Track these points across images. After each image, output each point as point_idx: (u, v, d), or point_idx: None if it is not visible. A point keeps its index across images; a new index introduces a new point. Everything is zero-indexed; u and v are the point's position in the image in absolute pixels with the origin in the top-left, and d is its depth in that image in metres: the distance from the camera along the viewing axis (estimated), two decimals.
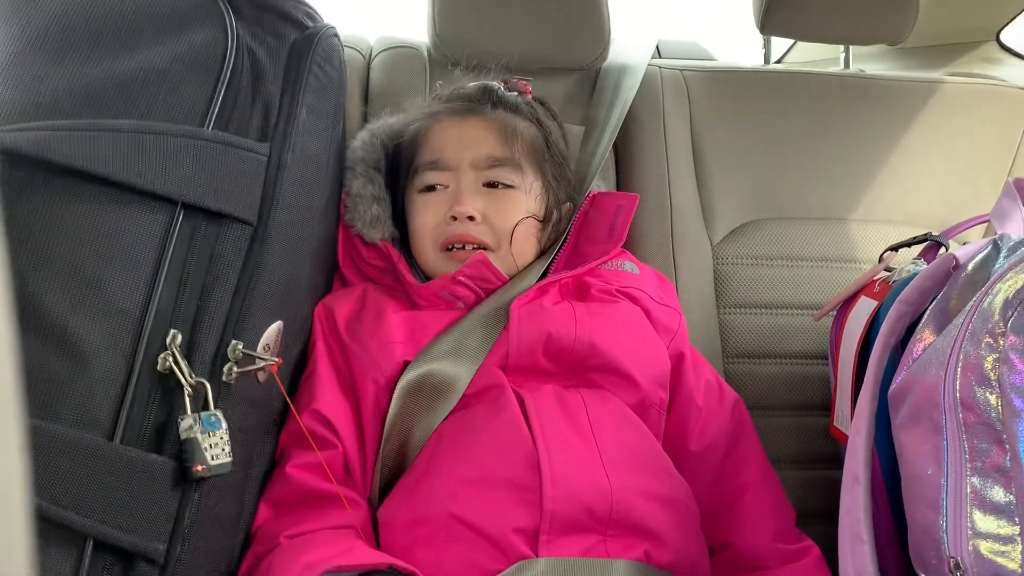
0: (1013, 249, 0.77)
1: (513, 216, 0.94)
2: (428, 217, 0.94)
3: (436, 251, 0.94)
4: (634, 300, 0.94)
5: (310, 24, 0.88)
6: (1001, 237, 0.82)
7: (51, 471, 0.60)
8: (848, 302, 0.97)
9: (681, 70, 1.28)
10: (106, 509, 0.62)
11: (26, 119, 0.64)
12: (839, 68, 1.44)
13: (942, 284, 0.80)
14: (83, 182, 0.65)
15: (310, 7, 0.88)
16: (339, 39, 0.91)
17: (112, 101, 0.68)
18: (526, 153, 0.97)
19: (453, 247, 0.93)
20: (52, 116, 0.65)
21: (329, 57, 0.87)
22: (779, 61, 1.86)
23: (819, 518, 0.87)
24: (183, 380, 0.67)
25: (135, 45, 0.71)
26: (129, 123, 0.67)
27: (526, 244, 0.96)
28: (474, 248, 0.93)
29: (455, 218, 0.92)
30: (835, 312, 1.00)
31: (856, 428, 0.78)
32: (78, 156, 0.64)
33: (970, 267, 0.78)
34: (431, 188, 0.96)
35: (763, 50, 1.48)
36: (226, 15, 0.76)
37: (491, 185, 0.95)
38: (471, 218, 0.92)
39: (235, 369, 0.71)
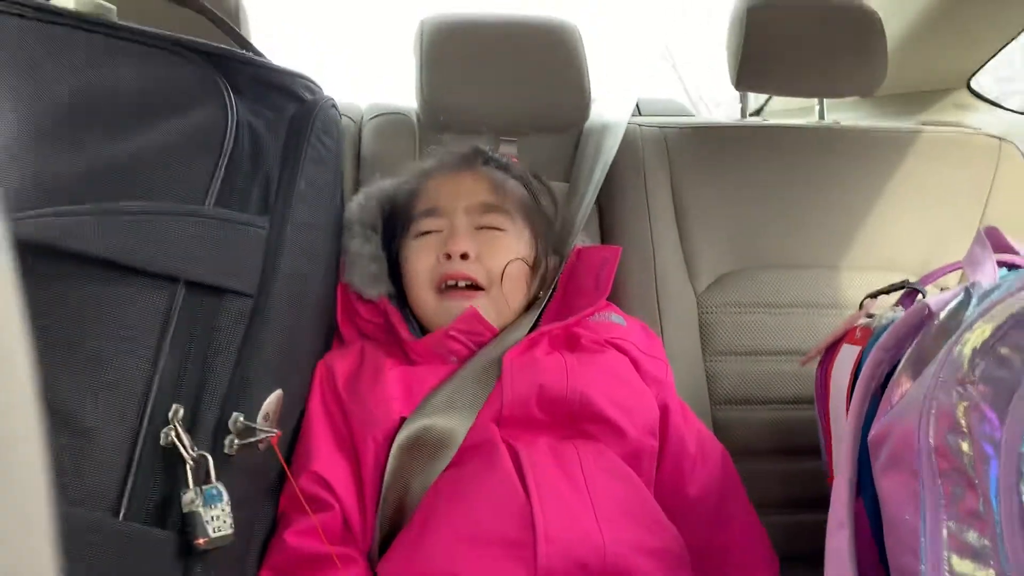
0: (983, 297, 0.80)
1: (504, 256, 0.98)
2: (423, 259, 0.98)
3: (431, 293, 0.97)
4: (622, 351, 0.97)
5: (308, 97, 0.90)
6: (973, 285, 0.84)
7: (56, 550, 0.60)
8: (832, 349, 1.00)
9: (660, 127, 1.32)
10: None
11: (31, 206, 0.66)
12: (814, 119, 1.48)
13: (918, 330, 0.82)
14: (86, 264, 0.66)
15: (309, 80, 0.91)
16: (337, 110, 0.94)
17: (115, 183, 0.70)
18: (516, 205, 1.02)
19: (447, 286, 0.96)
20: (57, 202, 0.67)
21: (327, 128, 0.89)
22: (758, 112, 1.92)
23: (805, 562, 0.89)
24: (185, 454, 0.68)
25: (136, 127, 0.73)
26: (131, 205, 0.69)
27: (516, 286, 0.99)
28: (467, 285, 0.96)
29: (449, 257, 0.96)
30: (819, 357, 1.02)
31: (839, 473, 0.80)
32: (82, 241, 0.65)
33: (943, 315, 0.80)
34: (426, 233, 1.00)
35: (740, 104, 1.54)
36: (226, 94, 0.78)
37: (484, 229, 0.99)
38: (464, 256, 0.96)
39: (236, 441, 0.72)
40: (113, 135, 0.72)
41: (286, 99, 0.87)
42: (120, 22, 0.76)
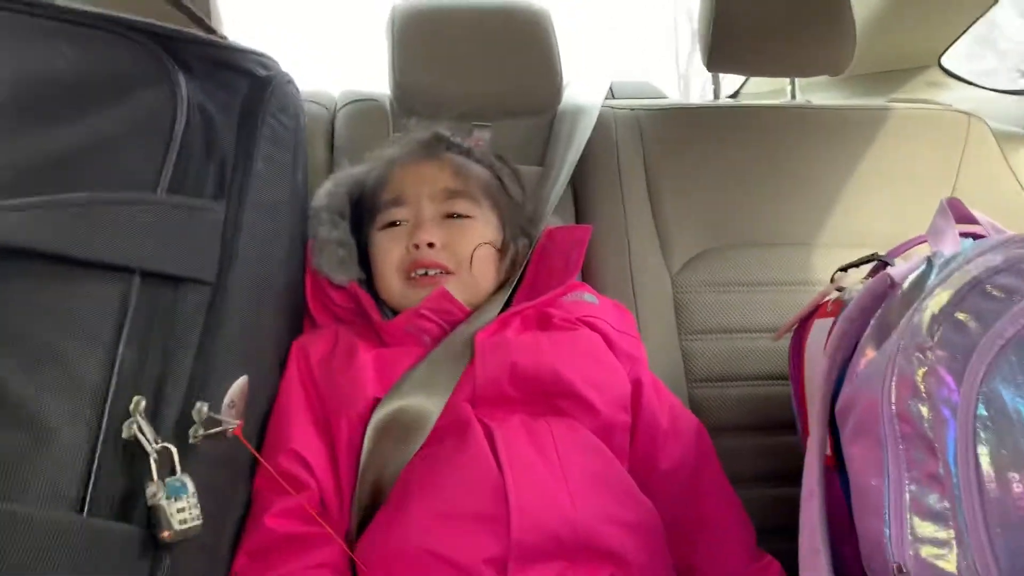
0: (944, 266, 0.81)
1: (471, 242, 0.99)
2: (391, 250, 0.99)
3: (399, 280, 0.98)
4: (594, 328, 0.98)
5: (263, 73, 0.87)
6: (935, 255, 0.86)
7: (20, 551, 0.59)
8: (803, 323, 1.01)
9: (633, 109, 1.33)
10: None
11: None
12: (786, 99, 1.49)
13: (881, 301, 0.83)
14: (35, 259, 0.64)
15: (263, 56, 0.88)
16: (294, 86, 0.91)
17: (60, 173, 0.67)
18: (480, 189, 1.03)
19: (416, 274, 0.97)
20: (1, 195, 0.63)
21: (284, 106, 0.87)
22: (735, 95, 1.93)
23: (781, 534, 0.90)
24: (147, 446, 0.66)
25: (81, 113, 0.70)
26: (79, 196, 0.67)
27: (485, 270, 1.00)
28: (437, 272, 0.97)
29: (417, 247, 0.97)
30: (791, 333, 1.03)
31: (809, 444, 0.81)
32: (29, 237, 0.63)
33: (905, 285, 0.82)
34: (393, 224, 1.00)
35: (712, 86, 1.55)
36: (173, 74, 0.75)
37: (450, 216, 1.00)
38: (431, 245, 0.97)
39: (200, 431, 0.71)
40: (56, 123, 0.69)
41: (239, 77, 0.84)
42: (64, 4, 0.72)
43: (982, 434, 0.60)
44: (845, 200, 1.31)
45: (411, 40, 1.23)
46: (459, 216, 1.00)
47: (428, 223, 0.98)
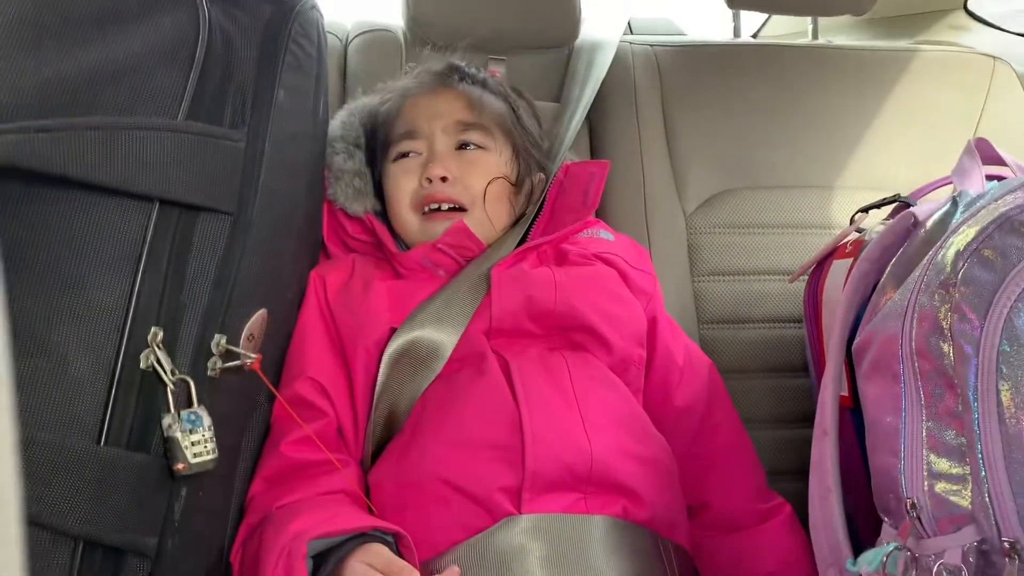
0: (969, 204, 0.80)
1: (485, 176, 0.98)
2: (404, 182, 0.98)
3: (414, 215, 0.97)
4: (610, 264, 0.97)
5: None
6: (960, 194, 0.84)
7: (36, 477, 0.59)
8: (820, 266, 1.00)
9: (652, 46, 1.30)
10: (94, 511, 0.61)
11: None
12: (807, 39, 1.46)
13: (903, 240, 0.82)
14: (54, 184, 0.63)
15: None
16: (318, 11, 0.88)
17: (83, 96, 0.65)
18: (494, 121, 1.01)
19: (429, 208, 0.96)
20: (20, 116, 0.61)
21: (307, 32, 0.85)
22: (755, 35, 1.89)
23: (792, 474, 0.91)
24: (164, 378, 0.66)
25: (105, 34, 0.67)
26: (98, 120, 0.65)
27: (500, 205, 0.99)
28: (450, 208, 0.96)
29: (430, 180, 0.96)
30: (807, 276, 1.02)
31: (824, 383, 0.81)
32: (47, 161, 0.61)
33: (929, 224, 0.80)
34: (405, 155, 0.99)
35: (733, 24, 1.51)
36: None
37: (463, 147, 0.99)
38: (444, 179, 0.95)
39: (219, 364, 0.71)
40: (80, 44, 0.66)
41: (262, 1, 0.81)
42: None
43: (1004, 370, 0.60)
44: (865, 142, 1.29)
45: None
46: (472, 147, 0.99)
47: (441, 156, 0.97)
